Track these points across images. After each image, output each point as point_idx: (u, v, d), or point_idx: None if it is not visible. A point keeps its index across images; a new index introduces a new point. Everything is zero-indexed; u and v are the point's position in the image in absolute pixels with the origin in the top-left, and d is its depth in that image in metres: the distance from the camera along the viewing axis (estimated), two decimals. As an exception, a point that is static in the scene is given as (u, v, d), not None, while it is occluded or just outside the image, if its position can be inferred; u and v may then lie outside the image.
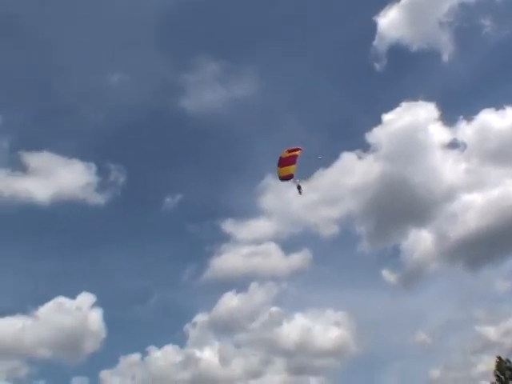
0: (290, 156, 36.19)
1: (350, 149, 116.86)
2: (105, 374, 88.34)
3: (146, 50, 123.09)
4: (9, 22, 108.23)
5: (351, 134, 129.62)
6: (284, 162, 36.39)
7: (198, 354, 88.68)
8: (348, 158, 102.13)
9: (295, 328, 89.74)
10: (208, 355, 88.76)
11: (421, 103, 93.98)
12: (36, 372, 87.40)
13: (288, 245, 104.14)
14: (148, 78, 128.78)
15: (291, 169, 36.40)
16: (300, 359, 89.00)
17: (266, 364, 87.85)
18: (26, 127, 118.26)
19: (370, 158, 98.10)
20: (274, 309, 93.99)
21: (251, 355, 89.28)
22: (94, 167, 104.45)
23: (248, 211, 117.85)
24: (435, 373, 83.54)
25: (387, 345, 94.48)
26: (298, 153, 36.20)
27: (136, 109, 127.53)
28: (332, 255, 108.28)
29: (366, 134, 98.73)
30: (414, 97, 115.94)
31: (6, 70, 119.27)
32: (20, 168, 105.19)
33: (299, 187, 38.04)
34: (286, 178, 36.99)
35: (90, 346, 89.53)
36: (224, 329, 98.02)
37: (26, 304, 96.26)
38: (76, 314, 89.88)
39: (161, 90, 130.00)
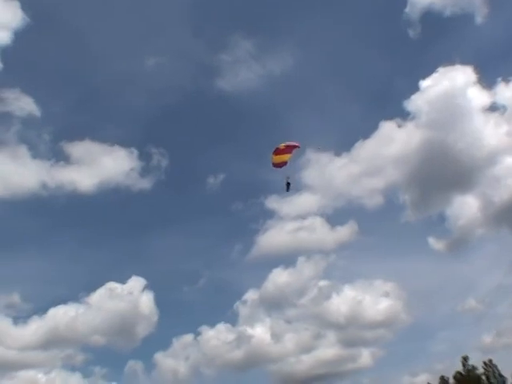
0: (287, 147, 36.19)
1: (389, 117, 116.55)
2: (159, 357, 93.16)
3: (180, 33, 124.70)
4: (44, 14, 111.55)
5: (389, 103, 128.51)
6: (280, 152, 36.40)
7: (249, 331, 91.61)
8: (388, 127, 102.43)
9: (345, 300, 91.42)
10: (260, 332, 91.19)
11: (458, 67, 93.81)
12: (91, 358, 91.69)
13: (333, 218, 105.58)
14: (184, 61, 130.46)
15: (285, 157, 36.41)
16: (351, 331, 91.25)
17: (318, 338, 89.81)
18: (66, 118, 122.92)
19: (409, 126, 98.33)
20: (322, 282, 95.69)
21: (302, 330, 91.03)
22: (136, 152, 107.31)
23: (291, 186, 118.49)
24: (487, 339, 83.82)
25: (438, 313, 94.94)
26: (294, 146, 36.15)
27: (174, 92, 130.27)
28: (378, 226, 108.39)
29: (405, 102, 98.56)
30: (450, 61, 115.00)
31: (42, 63, 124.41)
32: (63, 158, 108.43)
33: (288, 184, 37.71)
34: (279, 165, 36.77)
35: (143, 329, 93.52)
36: (274, 305, 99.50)
37: (77, 292, 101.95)
38: (127, 298, 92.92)
39: (197, 71, 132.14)
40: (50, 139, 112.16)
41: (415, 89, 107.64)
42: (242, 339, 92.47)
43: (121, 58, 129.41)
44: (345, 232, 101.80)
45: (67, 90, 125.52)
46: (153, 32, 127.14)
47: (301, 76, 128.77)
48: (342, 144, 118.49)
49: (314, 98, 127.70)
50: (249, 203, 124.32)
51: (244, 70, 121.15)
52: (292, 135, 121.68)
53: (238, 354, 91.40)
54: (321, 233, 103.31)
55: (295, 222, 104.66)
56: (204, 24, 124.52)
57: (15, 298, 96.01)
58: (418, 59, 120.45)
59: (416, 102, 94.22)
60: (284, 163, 36.71)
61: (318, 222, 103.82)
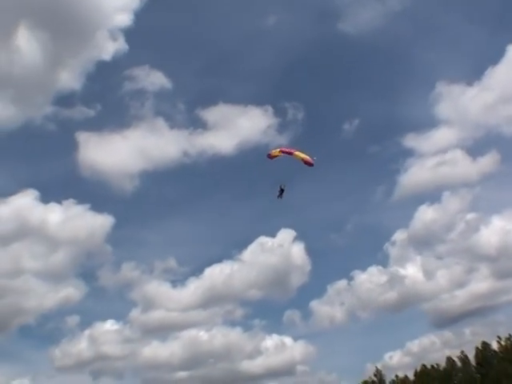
0: (298, 156, 35.65)
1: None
2: (315, 304, 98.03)
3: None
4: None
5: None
6: (283, 151, 36.46)
7: (401, 271, 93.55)
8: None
9: (494, 231, 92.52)
10: (411, 271, 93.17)
11: None
12: (250, 312, 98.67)
13: (474, 149, 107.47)
14: (303, 12, 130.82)
15: (280, 154, 36.26)
16: (504, 263, 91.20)
17: (470, 272, 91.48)
18: (197, 85, 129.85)
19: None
20: (470, 215, 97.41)
21: (454, 265, 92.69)
22: (270, 110, 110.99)
23: (426, 122, 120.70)
24: None
25: None
26: (307, 162, 35.66)
27: (298, 44, 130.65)
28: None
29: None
30: None
31: (165, 37, 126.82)
32: (200, 125, 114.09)
33: (281, 191, 37.35)
34: (273, 157, 36.75)
35: (297, 279, 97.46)
36: (423, 243, 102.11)
37: (230, 249, 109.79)
38: (279, 251, 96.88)
39: (317, 19, 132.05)
40: (185, 108, 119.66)
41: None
42: (394, 280, 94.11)
43: (241, 19, 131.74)
44: (487, 162, 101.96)
45: (193, 58, 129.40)
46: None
47: (421, 9, 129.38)
48: (472, 73, 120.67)
49: (437, 29, 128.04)
50: (386, 144, 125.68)
51: (364, 10, 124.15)
52: (420, 70, 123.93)
53: (391, 296, 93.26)
54: (463, 165, 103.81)
55: (435, 157, 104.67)
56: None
57: (171, 262, 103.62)
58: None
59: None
60: (275, 157, 36.76)
61: (458, 155, 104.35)
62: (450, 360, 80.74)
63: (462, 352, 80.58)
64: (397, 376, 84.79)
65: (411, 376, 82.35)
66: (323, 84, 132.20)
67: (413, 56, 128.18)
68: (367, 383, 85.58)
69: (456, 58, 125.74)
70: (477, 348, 78.94)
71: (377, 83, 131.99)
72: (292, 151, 36.33)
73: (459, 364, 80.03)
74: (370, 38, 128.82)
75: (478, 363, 78.06)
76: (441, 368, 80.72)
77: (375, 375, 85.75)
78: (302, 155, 35.80)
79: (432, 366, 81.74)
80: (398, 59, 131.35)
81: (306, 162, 35.87)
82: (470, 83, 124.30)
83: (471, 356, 79.29)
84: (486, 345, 78.45)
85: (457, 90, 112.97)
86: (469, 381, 76.97)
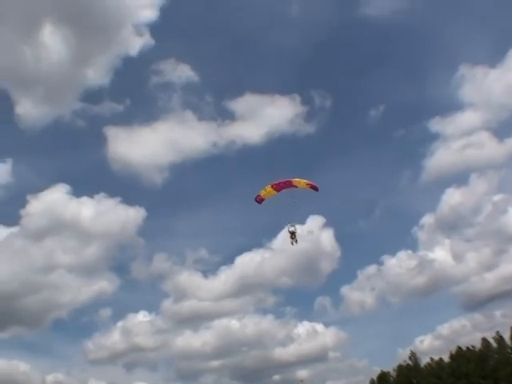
0: (284, 183, 32.00)
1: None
2: (345, 290, 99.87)
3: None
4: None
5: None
6: (276, 187, 32.29)
7: (430, 255, 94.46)
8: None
9: None
10: (440, 255, 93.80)
11: None
12: (281, 300, 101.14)
13: (500, 130, 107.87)
14: None
15: (273, 193, 32.36)
16: None
17: (499, 254, 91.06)
18: (223, 77, 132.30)
19: None
20: (497, 197, 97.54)
21: (483, 247, 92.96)
22: (297, 98, 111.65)
23: (451, 105, 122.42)
24: None
25: None
26: (311, 185, 32.33)
27: (321, 30, 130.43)
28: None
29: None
30: None
31: (190, 30, 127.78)
32: (228, 116, 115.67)
33: (293, 234, 32.91)
34: (262, 200, 32.90)
35: (327, 266, 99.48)
36: (451, 226, 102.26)
37: (260, 238, 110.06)
38: (308, 238, 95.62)
39: (339, 3, 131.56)
40: (213, 100, 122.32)
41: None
42: (423, 264, 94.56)
43: (265, 7, 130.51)
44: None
45: (219, 49, 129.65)
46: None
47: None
48: (495, 55, 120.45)
49: (459, 11, 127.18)
50: (411, 129, 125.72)
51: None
52: (442, 52, 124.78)
53: (421, 280, 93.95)
54: (489, 147, 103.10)
55: (461, 140, 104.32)
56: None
57: (202, 252, 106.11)
58: None
59: None
60: (263, 200, 32.78)
61: (484, 137, 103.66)
62: (485, 341, 79.14)
63: (498, 333, 78.98)
64: (431, 358, 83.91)
65: (445, 359, 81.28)
66: (348, 70, 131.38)
67: (435, 39, 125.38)
68: (402, 367, 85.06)
69: (478, 40, 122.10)
70: (511, 328, 76.95)
71: (400, 67, 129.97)
72: (290, 180, 32.48)
73: (494, 345, 78.31)
74: (392, 22, 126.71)
75: (513, 344, 76.21)
76: (476, 350, 79.24)
77: (410, 358, 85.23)
78: (304, 180, 32.56)
79: (467, 348, 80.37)
80: (419, 42, 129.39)
81: (312, 187, 32.85)
82: (492, 65, 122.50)
83: (506, 337, 77.46)
84: (521, 325, 76.29)
85: (480, 72, 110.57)
86: (505, 362, 75.14)
